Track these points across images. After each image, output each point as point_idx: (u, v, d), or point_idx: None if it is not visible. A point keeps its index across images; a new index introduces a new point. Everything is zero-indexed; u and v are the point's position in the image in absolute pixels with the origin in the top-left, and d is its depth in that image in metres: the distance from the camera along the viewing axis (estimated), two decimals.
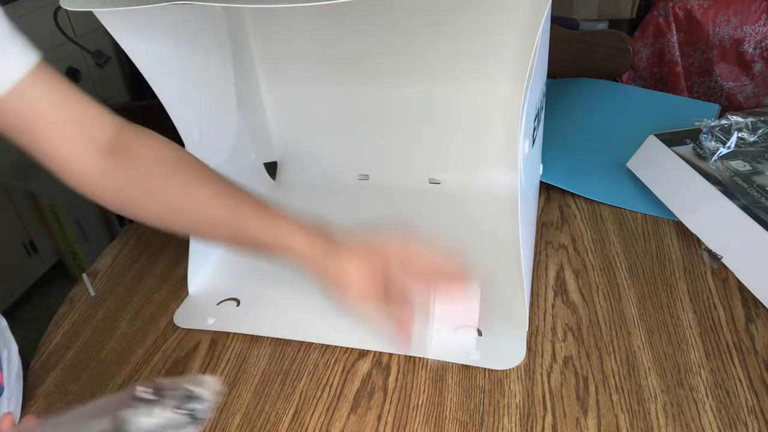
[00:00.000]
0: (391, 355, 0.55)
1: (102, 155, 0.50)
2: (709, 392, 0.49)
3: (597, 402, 0.49)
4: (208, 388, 0.37)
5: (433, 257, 0.46)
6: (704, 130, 0.70)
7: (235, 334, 0.59)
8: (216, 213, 0.50)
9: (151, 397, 0.36)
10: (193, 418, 0.36)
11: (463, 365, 0.53)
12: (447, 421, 0.49)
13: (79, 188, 0.51)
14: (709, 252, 0.62)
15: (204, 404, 0.37)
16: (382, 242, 0.48)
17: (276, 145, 0.84)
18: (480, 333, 0.56)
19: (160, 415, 0.36)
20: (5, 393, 0.52)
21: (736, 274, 0.60)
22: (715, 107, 0.89)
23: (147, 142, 0.52)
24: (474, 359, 0.53)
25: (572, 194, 0.75)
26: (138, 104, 1.11)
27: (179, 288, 0.66)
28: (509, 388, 0.51)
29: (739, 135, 0.69)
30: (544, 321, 0.57)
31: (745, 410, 0.47)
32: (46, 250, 1.81)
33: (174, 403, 0.36)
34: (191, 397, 0.37)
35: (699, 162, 0.67)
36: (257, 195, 0.51)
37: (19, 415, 0.53)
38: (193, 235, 0.53)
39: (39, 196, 1.70)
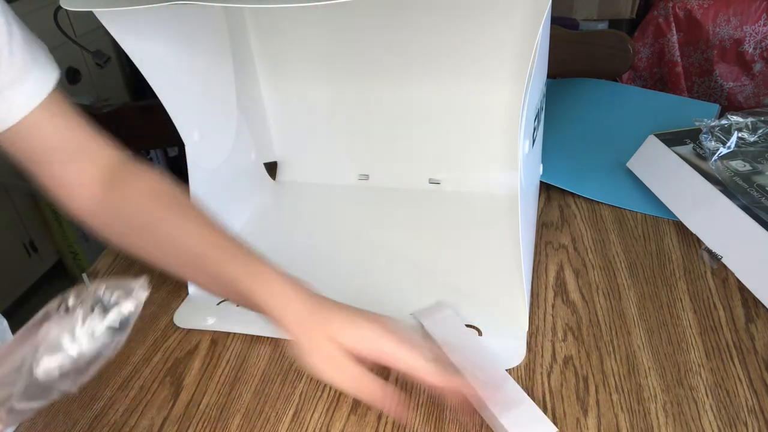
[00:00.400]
0: None
1: (101, 187, 0.50)
2: (709, 392, 0.49)
3: (597, 402, 0.49)
4: (130, 292, 0.34)
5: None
6: (704, 130, 0.70)
7: (235, 334, 0.59)
8: (202, 251, 0.48)
9: (69, 307, 0.34)
10: (113, 327, 0.34)
11: None
12: (447, 421, 0.49)
13: (79, 218, 0.51)
14: (709, 252, 0.62)
15: (124, 310, 0.34)
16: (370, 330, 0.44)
17: (276, 145, 0.84)
18: (480, 333, 0.56)
19: (77, 328, 0.33)
20: None
21: (736, 274, 0.60)
22: (715, 107, 0.89)
23: (141, 175, 0.52)
24: None
25: (572, 194, 0.75)
26: (138, 104, 1.11)
27: (179, 288, 0.66)
28: None
29: (739, 135, 0.69)
30: (544, 321, 0.57)
31: (745, 410, 0.47)
32: (46, 250, 1.81)
33: (91, 313, 0.33)
34: (115, 303, 0.34)
35: (699, 162, 0.67)
36: (243, 242, 0.49)
37: None
38: (180, 275, 0.51)
39: (39, 196, 1.70)
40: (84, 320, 0.33)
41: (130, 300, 0.34)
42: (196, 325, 0.61)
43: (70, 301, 0.34)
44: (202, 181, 0.65)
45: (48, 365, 0.33)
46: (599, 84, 0.99)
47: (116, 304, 0.34)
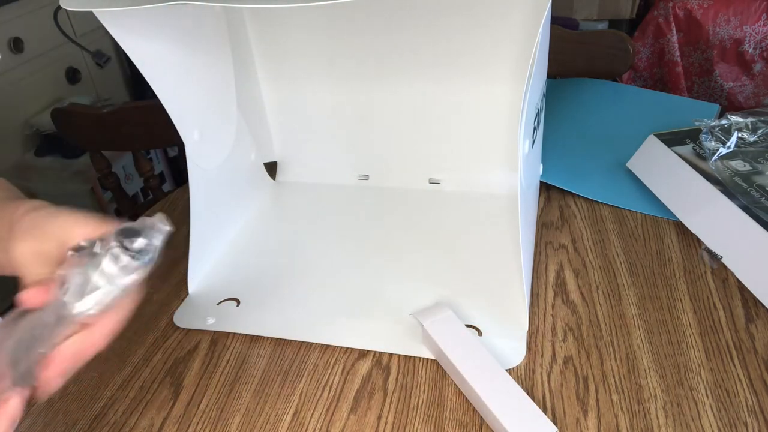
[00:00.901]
0: (391, 355, 0.55)
1: None
2: (709, 392, 0.49)
3: (597, 402, 0.49)
4: (152, 227, 0.35)
5: None
6: (704, 130, 0.70)
7: (235, 334, 0.59)
8: None
9: (86, 251, 0.34)
10: (140, 260, 0.34)
11: None
12: (447, 421, 0.49)
13: None
14: (709, 252, 0.62)
15: (151, 242, 0.34)
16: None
17: (276, 145, 0.84)
18: (480, 333, 0.56)
19: (104, 262, 0.33)
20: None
21: (736, 274, 0.60)
22: (715, 107, 0.89)
23: None
24: None
25: (572, 194, 0.75)
26: (138, 104, 1.11)
27: (179, 288, 0.66)
28: None
29: (739, 135, 0.69)
30: (544, 321, 0.57)
31: (745, 410, 0.47)
32: None
33: (116, 248, 0.34)
34: (138, 237, 0.34)
35: (699, 162, 0.67)
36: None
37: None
38: None
39: (39, 196, 1.70)
40: (111, 255, 0.34)
41: (155, 233, 0.35)
42: (196, 325, 0.61)
43: (87, 243, 0.34)
44: (202, 181, 0.65)
45: (83, 305, 0.33)
46: (599, 84, 0.99)
47: (140, 237, 0.34)
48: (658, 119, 0.84)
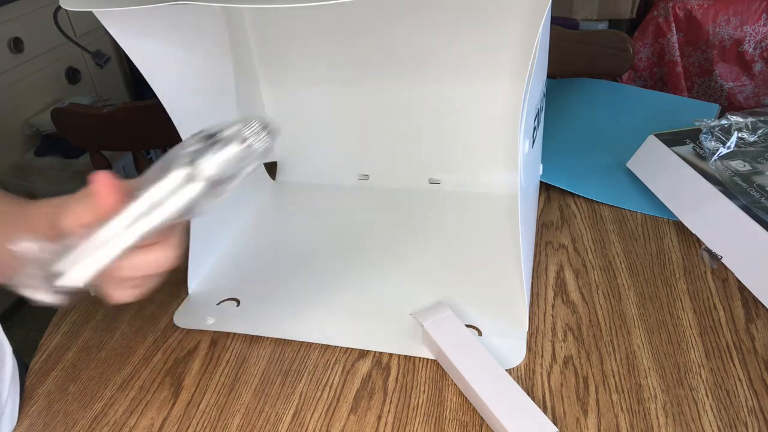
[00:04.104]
0: (391, 355, 0.55)
1: None
2: (709, 392, 0.49)
3: (597, 402, 0.49)
4: (261, 124, 0.40)
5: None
6: (704, 130, 0.70)
7: (235, 334, 0.59)
8: None
9: (216, 138, 0.39)
10: (255, 150, 0.40)
11: None
12: (447, 421, 0.49)
13: None
14: (709, 252, 0.62)
15: (261, 137, 0.40)
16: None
17: (276, 145, 0.84)
18: (480, 333, 0.56)
19: (228, 150, 0.39)
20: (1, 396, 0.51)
21: (736, 274, 0.60)
22: (715, 107, 0.89)
23: None
24: None
25: (572, 194, 0.75)
26: (138, 104, 1.11)
27: (179, 288, 0.66)
28: None
29: (739, 135, 0.69)
30: (544, 321, 0.57)
31: (745, 410, 0.47)
32: None
33: (237, 138, 0.39)
34: (251, 132, 0.40)
35: (699, 162, 0.67)
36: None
37: (16, 418, 0.53)
38: None
39: (39, 196, 1.70)
40: (233, 147, 0.40)
41: (262, 130, 0.41)
42: (196, 325, 0.61)
43: (210, 136, 0.39)
44: None
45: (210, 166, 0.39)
46: (599, 84, 0.99)
47: (253, 133, 0.40)
48: (658, 119, 0.84)
